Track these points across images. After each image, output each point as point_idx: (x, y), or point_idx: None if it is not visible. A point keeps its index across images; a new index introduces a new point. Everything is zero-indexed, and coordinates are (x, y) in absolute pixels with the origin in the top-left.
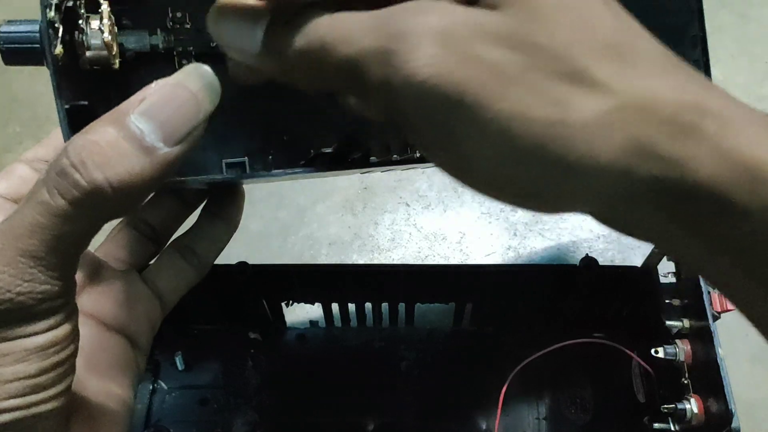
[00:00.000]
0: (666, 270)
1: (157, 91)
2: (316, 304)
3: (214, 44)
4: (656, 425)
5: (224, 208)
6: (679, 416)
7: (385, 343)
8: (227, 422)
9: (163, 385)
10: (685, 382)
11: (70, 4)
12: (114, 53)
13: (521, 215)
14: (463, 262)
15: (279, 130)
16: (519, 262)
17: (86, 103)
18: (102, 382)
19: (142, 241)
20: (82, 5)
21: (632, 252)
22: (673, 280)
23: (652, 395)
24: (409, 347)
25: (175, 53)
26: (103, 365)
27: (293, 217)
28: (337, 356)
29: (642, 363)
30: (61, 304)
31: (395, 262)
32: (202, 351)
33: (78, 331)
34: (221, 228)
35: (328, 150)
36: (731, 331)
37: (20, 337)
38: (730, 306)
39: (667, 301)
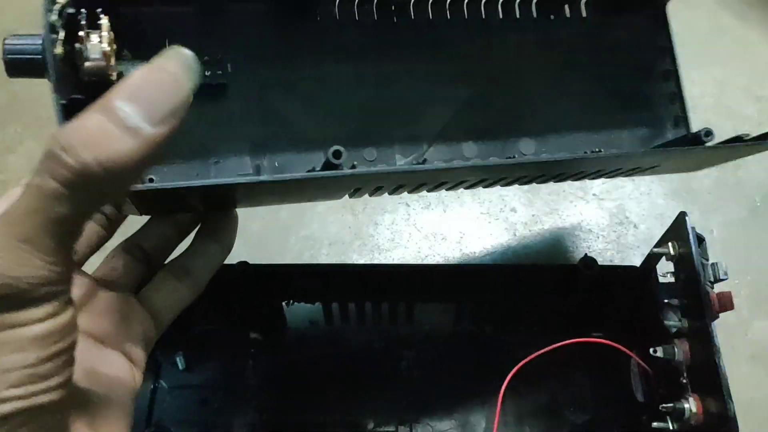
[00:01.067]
0: (665, 270)
1: (138, 76)
2: (317, 303)
3: (208, 73)
4: (655, 424)
5: (218, 230)
6: (678, 415)
7: (384, 343)
8: (228, 422)
9: (164, 384)
10: (684, 381)
11: (72, 11)
12: (112, 65)
13: (521, 215)
14: (463, 262)
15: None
16: (518, 262)
17: (82, 97)
18: (101, 393)
19: (137, 265)
20: (84, 17)
21: (631, 252)
22: (672, 279)
23: (651, 395)
24: (409, 347)
25: None
26: (102, 379)
27: (293, 217)
28: (336, 356)
29: (641, 362)
30: (58, 291)
31: (395, 262)
32: (203, 351)
33: (76, 322)
34: (215, 249)
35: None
36: (731, 330)
37: (18, 325)
38: (729, 305)
39: (665, 300)
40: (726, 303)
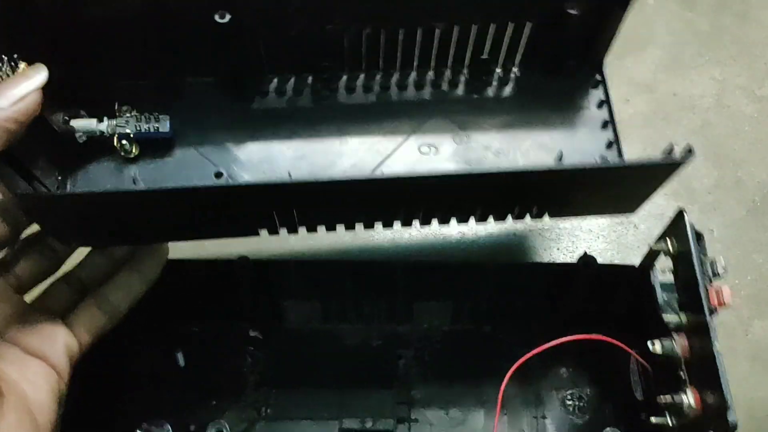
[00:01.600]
0: (664, 267)
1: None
2: (316, 301)
3: (156, 127)
4: (653, 419)
5: (141, 262)
6: (676, 409)
7: (383, 341)
8: (227, 419)
9: (163, 381)
10: (682, 375)
11: None
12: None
13: None
14: (463, 262)
15: None
16: (518, 261)
17: None
18: (27, 393)
19: (71, 293)
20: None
21: (631, 251)
22: (671, 276)
23: (650, 393)
24: (407, 345)
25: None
26: (29, 380)
27: None
28: (335, 353)
29: (640, 360)
30: None
31: (395, 260)
32: (203, 348)
33: None
34: (135, 281)
35: None
36: (731, 330)
37: None
38: (727, 300)
39: (664, 297)
40: (723, 298)
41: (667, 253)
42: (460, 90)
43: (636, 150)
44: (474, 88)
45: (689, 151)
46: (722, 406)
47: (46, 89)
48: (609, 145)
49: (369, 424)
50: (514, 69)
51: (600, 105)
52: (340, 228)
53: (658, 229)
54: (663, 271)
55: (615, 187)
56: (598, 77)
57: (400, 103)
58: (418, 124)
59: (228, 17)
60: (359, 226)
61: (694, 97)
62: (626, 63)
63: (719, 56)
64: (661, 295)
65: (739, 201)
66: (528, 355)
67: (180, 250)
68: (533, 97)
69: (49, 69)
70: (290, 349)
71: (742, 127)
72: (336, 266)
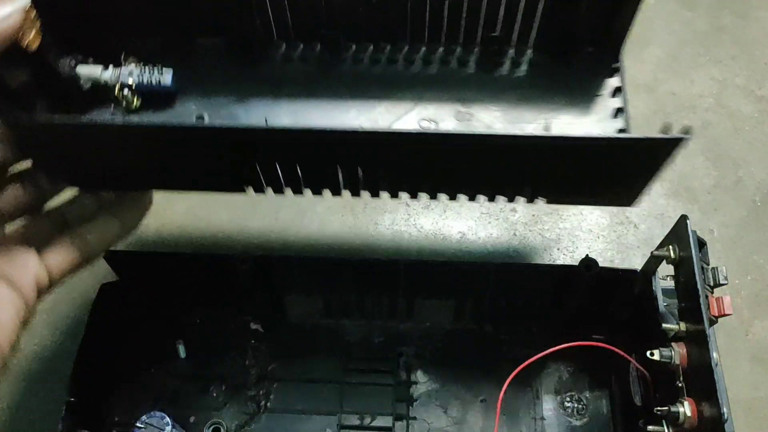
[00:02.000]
0: (665, 273)
1: None
2: (317, 296)
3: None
4: (650, 428)
5: (125, 211)
6: (673, 419)
7: (384, 338)
8: (227, 411)
9: (164, 372)
10: (680, 385)
11: None
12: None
13: (521, 215)
14: (463, 262)
15: None
16: (519, 262)
17: None
18: None
19: (49, 227)
20: None
21: (632, 252)
22: (672, 283)
23: (649, 399)
24: (408, 343)
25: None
26: None
27: (294, 217)
28: (336, 349)
29: (639, 366)
30: None
31: (395, 258)
32: (204, 340)
33: None
34: (115, 226)
35: None
36: (731, 330)
37: None
38: (727, 311)
39: (665, 304)
40: (724, 307)
41: (668, 259)
42: (471, 68)
43: None
44: (484, 68)
45: (687, 132)
46: (718, 419)
47: (56, 32)
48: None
49: (368, 421)
50: (528, 51)
51: (614, 93)
52: (326, 193)
53: (659, 229)
54: (664, 278)
55: (607, 167)
56: (615, 65)
57: (406, 77)
58: (421, 99)
59: None
60: (339, 188)
61: (694, 96)
62: (625, 63)
63: (719, 56)
64: (661, 303)
65: (739, 201)
66: (529, 361)
67: (184, 242)
68: (545, 80)
69: (61, 13)
70: (291, 343)
71: (742, 127)
72: (338, 263)
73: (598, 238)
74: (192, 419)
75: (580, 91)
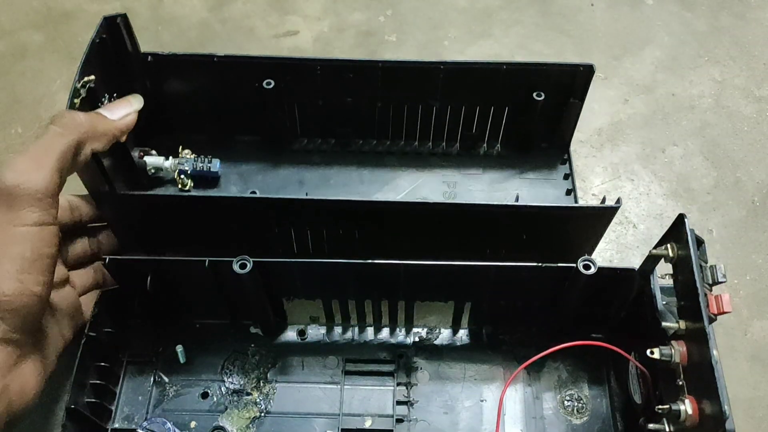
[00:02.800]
0: (663, 272)
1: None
2: (317, 300)
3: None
4: (651, 426)
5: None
6: (674, 417)
7: (384, 340)
8: (227, 415)
9: (164, 377)
10: (680, 383)
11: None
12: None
13: None
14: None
15: None
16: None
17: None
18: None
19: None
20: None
21: (631, 252)
22: (670, 281)
23: (649, 397)
24: (408, 344)
25: (177, 170)
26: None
27: None
28: (336, 352)
29: (638, 365)
30: (48, 203)
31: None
32: (204, 344)
33: (58, 240)
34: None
35: None
36: (731, 330)
37: (20, 224)
38: (726, 308)
39: (663, 302)
40: (723, 305)
41: (667, 258)
42: (452, 161)
43: (635, 150)
44: (463, 161)
45: (618, 201)
46: (719, 416)
47: (131, 134)
48: None
49: (368, 423)
50: (497, 146)
51: (566, 177)
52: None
53: (658, 229)
54: (663, 276)
55: (557, 230)
56: (565, 156)
57: (401, 166)
58: (415, 183)
59: (272, 84)
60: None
61: (693, 97)
62: (625, 63)
63: (718, 57)
64: (660, 301)
65: (739, 201)
66: (529, 361)
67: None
68: (511, 168)
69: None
70: (291, 346)
71: (741, 127)
72: (338, 266)
73: None
74: (193, 424)
75: (539, 175)
